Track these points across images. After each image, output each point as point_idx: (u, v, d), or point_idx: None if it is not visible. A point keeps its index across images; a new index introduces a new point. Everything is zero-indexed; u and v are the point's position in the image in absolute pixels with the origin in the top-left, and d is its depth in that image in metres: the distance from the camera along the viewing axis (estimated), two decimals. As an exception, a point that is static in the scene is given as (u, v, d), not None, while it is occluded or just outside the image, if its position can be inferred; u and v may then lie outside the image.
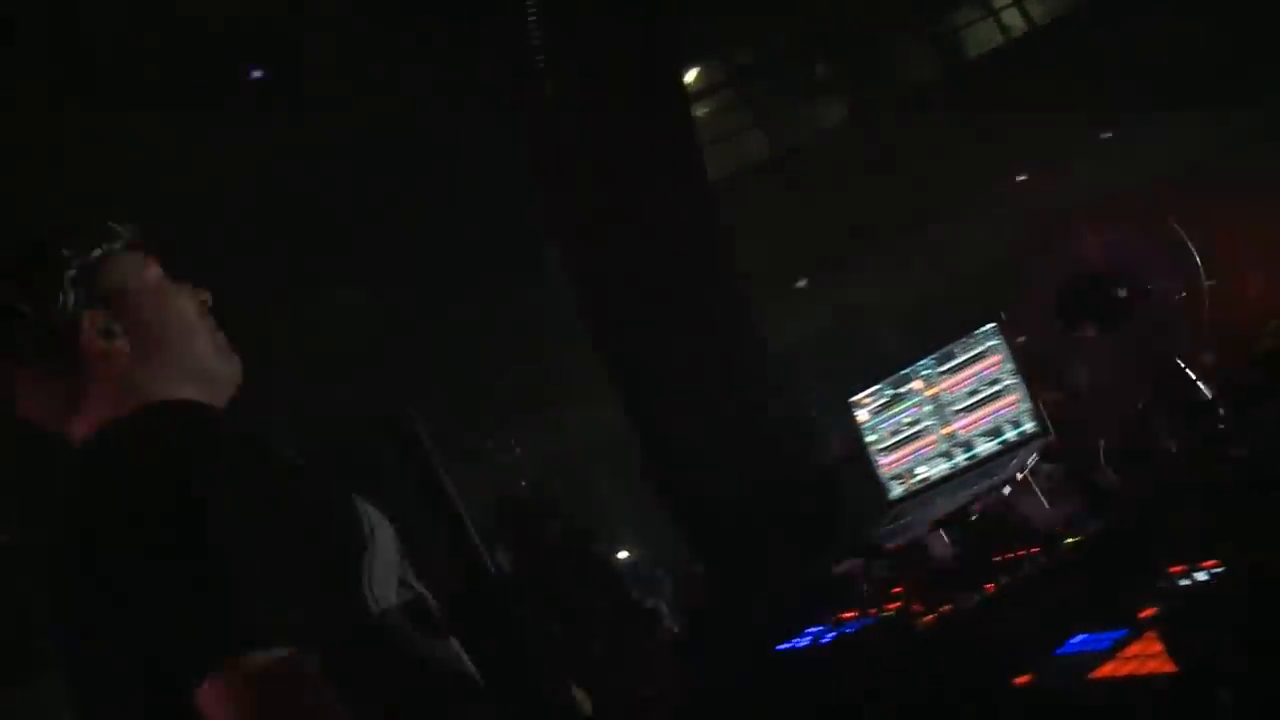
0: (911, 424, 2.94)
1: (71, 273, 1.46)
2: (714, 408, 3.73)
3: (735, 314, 3.90)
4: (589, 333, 4.07)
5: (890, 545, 2.63)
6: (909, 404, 2.94)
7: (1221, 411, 2.25)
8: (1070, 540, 2.26)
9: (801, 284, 14.58)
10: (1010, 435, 2.76)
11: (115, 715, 1.41)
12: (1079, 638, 1.96)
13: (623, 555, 5.14)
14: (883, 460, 3.00)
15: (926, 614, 2.31)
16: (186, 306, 1.55)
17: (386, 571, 1.46)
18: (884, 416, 2.99)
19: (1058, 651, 1.95)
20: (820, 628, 2.62)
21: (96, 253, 1.49)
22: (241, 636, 1.27)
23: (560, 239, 4.08)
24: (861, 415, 3.03)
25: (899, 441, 2.96)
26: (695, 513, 3.77)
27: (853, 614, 2.57)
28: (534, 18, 3.51)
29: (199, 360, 1.53)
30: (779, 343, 3.85)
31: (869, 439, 3.02)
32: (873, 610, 2.51)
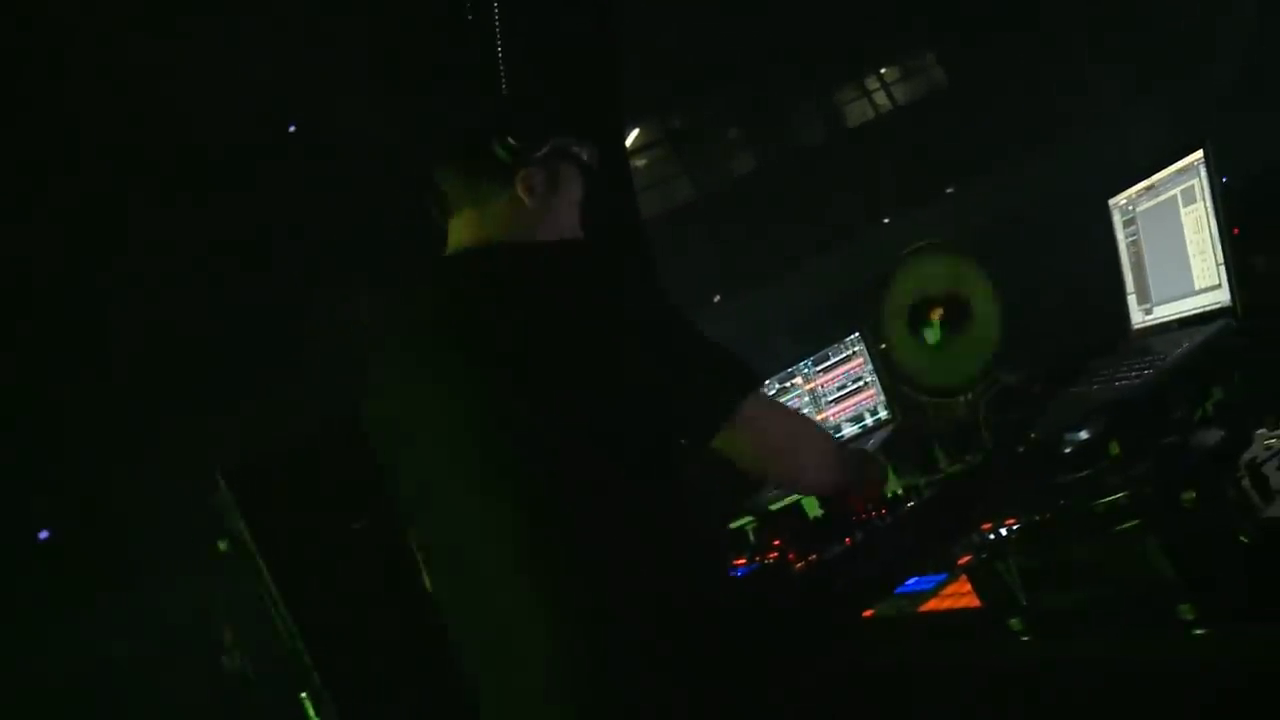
0: (792, 412, 2.97)
1: (551, 146, 1.63)
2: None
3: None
4: None
5: (774, 508, 2.66)
6: (792, 395, 2.97)
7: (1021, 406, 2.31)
8: (909, 505, 2.30)
9: (716, 299, 14.67)
10: (869, 421, 2.82)
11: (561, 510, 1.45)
12: (913, 580, 2.01)
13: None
14: (770, 440, 3.03)
15: (798, 561, 2.33)
16: (575, 213, 1.70)
17: None
18: (771, 406, 3.03)
19: (897, 590, 2.00)
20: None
21: (575, 149, 1.67)
22: (746, 381, 1.50)
23: None
24: (754, 405, 3.07)
25: (782, 426, 2.99)
26: None
27: (742, 561, 2.59)
28: (503, 69, 3.44)
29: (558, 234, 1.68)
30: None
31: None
32: (758, 558, 2.53)
